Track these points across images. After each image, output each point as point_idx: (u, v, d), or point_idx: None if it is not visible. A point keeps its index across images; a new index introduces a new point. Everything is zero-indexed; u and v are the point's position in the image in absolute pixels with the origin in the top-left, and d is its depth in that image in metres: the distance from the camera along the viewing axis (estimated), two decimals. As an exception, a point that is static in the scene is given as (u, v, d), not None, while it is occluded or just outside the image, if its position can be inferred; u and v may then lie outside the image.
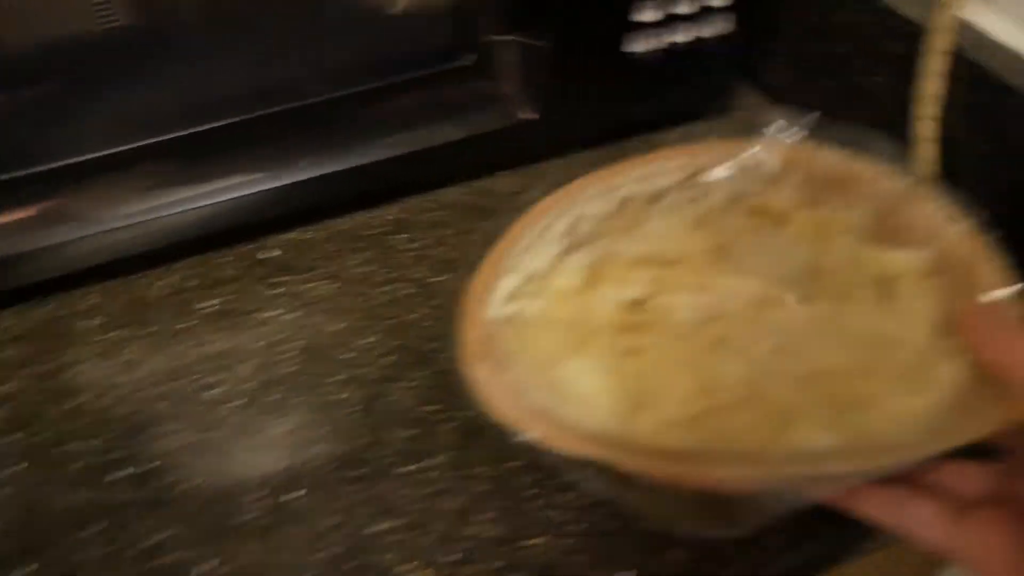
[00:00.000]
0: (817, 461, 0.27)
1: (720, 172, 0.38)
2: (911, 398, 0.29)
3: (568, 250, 0.37)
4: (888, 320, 0.33)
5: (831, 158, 0.37)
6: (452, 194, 0.53)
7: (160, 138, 0.45)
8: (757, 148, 0.37)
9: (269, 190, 0.48)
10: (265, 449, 0.41)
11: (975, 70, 0.42)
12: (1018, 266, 0.31)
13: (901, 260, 0.34)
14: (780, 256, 0.35)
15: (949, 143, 0.44)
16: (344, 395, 0.43)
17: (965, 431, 0.27)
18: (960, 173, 0.43)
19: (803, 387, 0.30)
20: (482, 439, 0.41)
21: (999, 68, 0.41)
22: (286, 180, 0.49)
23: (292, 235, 0.51)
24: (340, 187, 0.50)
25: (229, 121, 0.46)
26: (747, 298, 0.34)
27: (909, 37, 0.44)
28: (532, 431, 0.28)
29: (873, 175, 0.36)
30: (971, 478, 0.30)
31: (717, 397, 0.31)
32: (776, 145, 0.37)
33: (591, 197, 0.38)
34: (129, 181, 0.46)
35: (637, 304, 0.35)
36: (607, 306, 0.35)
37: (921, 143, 0.44)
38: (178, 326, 0.46)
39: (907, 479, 0.29)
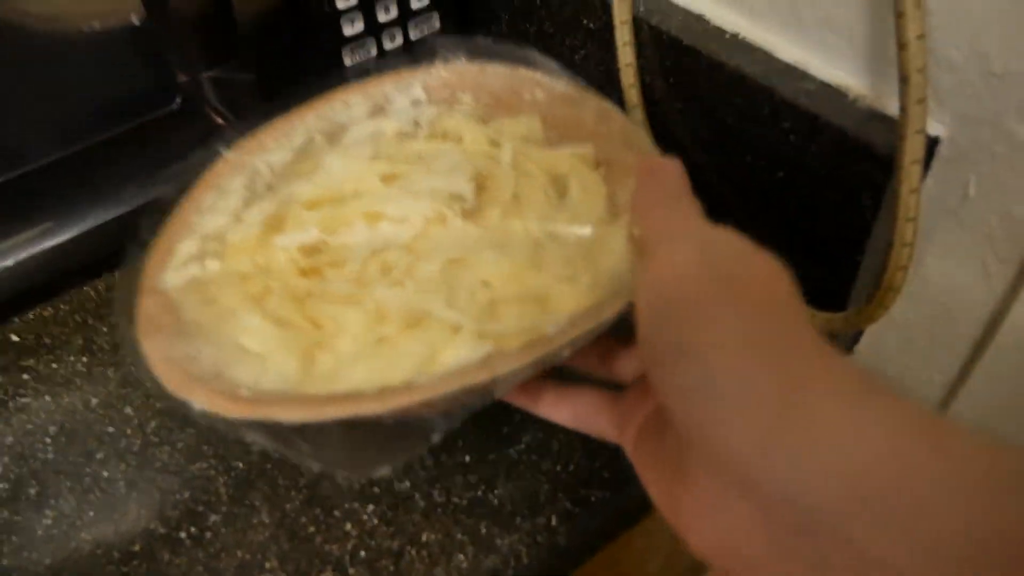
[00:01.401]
0: (467, 376, 0.26)
1: (397, 102, 0.40)
2: (572, 286, 0.30)
3: (248, 204, 0.37)
4: (559, 215, 0.34)
5: (498, 73, 0.40)
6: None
7: None
8: (428, 73, 0.40)
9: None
10: (29, 549, 0.39)
11: (659, 35, 0.44)
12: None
13: (566, 155, 0.37)
14: (450, 174, 0.36)
15: (655, 105, 0.46)
16: (106, 473, 0.41)
17: (608, 309, 0.27)
18: (670, 131, 0.46)
19: (472, 299, 0.31)
20: (259, 484, 0.40)
21: (679, 30, 0.43)
22: (13, 259, 0.46)
23: (33, 314, 0.48)
24: (77, 252, 0.48)
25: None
26: (418, 221, 0.34)
27: (601, 11, 0.46)
28: (198, 401, 0.27)
29: (535, 83, 0.39)
30: (623, 361, 0.30)
31: (385, 326, 0.30)
32: (446, 69, 0.40)
33: (270, 149, 0.38)
34: None
35: (315, 248, 0.35)
36: (284, 254, 0.34)
37: (631, 110, 0.46)
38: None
39: (575, 372, 0.31)
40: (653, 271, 0.23)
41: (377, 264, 0.33)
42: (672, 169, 0.27)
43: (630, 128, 0.37)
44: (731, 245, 0.23)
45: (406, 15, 0.48)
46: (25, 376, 0.45)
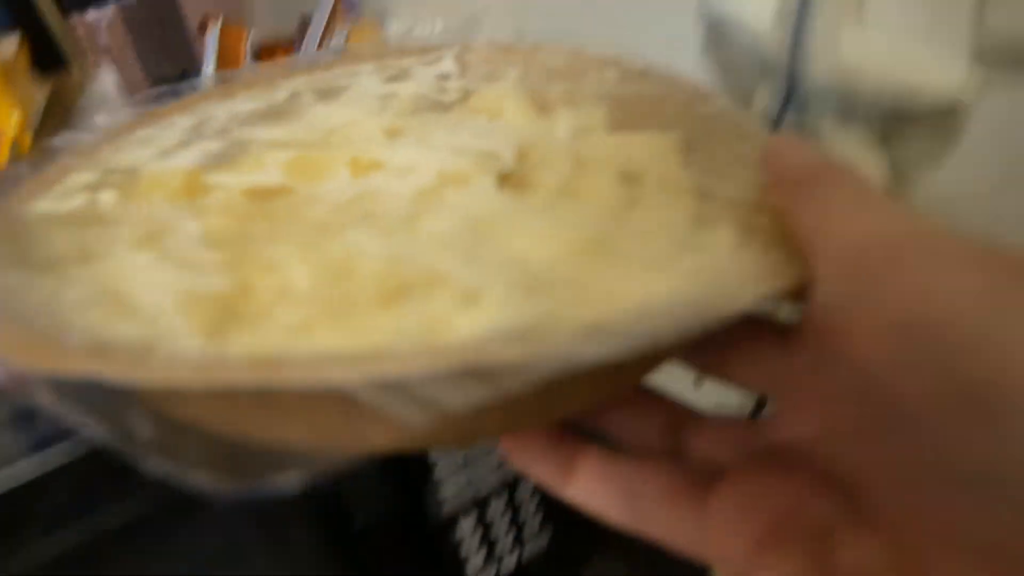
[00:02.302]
0: (474, 352, 0.15)
1: (419, 75, 0.30)
2: (648, 275, 0.19)
3: (185, 145, 0.26)
4: (628, 214, 0.23)
5: (556, 51, 0.30)
6: None
7: None
8: (464, 48, 0.30)
9: None
10: None
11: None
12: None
13: (641, 142, 0.26)
14: (482, 134, 0.25)
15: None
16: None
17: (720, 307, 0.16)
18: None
19: (499, 272, 0.19)
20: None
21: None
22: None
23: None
24: None
25: None
26: (427, 174, 0.23)
27: None
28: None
29: (604, 62, 0.29)
30: (719, 435, 0.20)
31: (351, 286, 0.19)
32: (488, 44, 0.31)
33: (238, 99, 0.28)
34: None
35: (269, 194, 0.24)
36: (222, 195, 0.24)
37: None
38: None
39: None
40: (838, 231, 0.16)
41: (358, 210, 0.22)
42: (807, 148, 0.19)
43: (734, 113, 0.26)
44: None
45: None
46: None
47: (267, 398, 0.15)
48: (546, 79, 0.30)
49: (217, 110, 0.28)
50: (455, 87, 0.30)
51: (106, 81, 0.48)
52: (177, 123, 0.27)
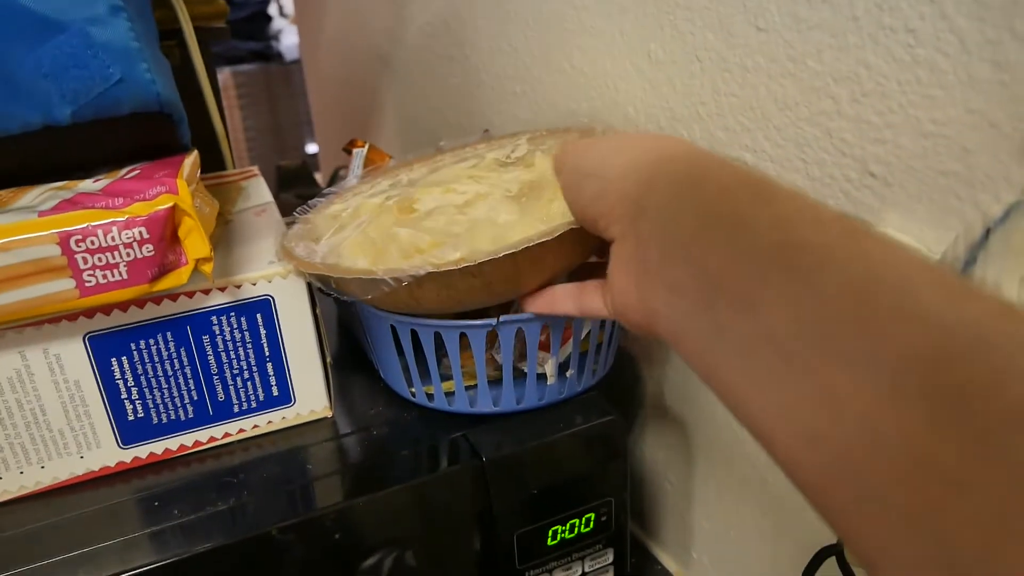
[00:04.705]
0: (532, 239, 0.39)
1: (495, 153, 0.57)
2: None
3: (380, 190, 0.54)
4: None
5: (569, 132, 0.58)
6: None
7: None
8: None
9: None
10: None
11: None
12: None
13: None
14: (511, 178, 0.50)
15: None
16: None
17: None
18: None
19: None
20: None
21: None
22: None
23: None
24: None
25: None
26: (471, 195, 0.48)
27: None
28: (313, 271, 0.43)
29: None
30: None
31: (419, 242, 0.44)
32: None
33: (414, 169, 0.58)
34: None
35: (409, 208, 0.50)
36: (376, 201, 0.51)
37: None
38: None
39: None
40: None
41: (431, 212, 0.48)
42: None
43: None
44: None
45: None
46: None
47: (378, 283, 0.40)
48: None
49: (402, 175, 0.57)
50: (517, 153, 0.55)
51: (260, 188, 0.61)
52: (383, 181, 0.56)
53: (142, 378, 0.43)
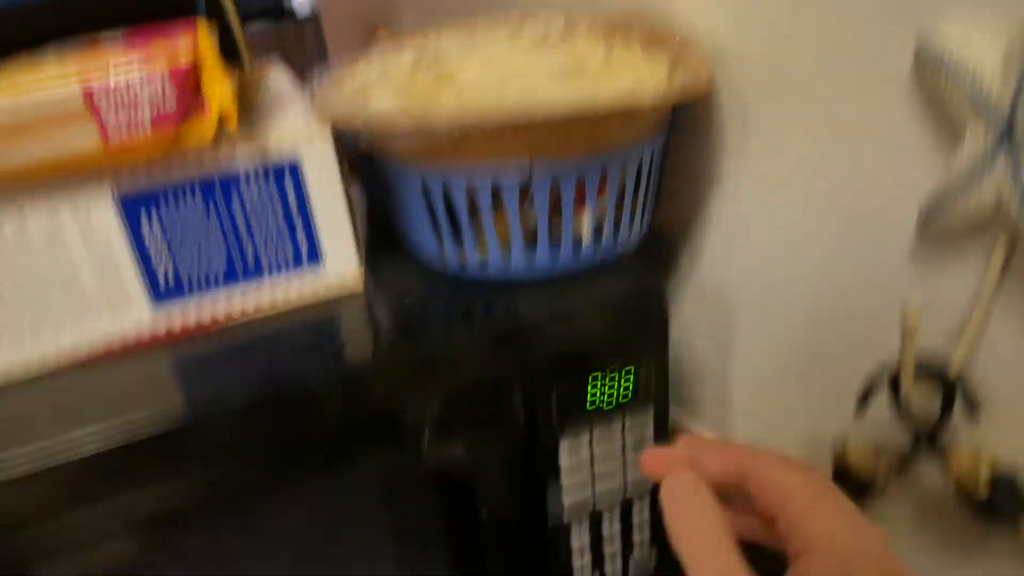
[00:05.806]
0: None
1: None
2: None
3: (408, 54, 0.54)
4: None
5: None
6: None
7: None
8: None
9: None
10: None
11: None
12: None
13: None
14: (551, 59, 0.50)
15: None
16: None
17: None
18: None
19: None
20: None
21: None
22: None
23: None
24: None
25: None
26: (518, 71, 0.48)
27: None
28: (359, 118, 0.43)
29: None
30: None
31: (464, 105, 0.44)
32: None
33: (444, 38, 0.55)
34: None
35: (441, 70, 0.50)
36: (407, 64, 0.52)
37: None
38: None
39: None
40: None
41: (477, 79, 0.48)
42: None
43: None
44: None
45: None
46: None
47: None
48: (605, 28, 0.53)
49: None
50: (554, 31, 0.54)
51: (282, 80, 0.58)
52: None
53: (172, 238, 0.43)
